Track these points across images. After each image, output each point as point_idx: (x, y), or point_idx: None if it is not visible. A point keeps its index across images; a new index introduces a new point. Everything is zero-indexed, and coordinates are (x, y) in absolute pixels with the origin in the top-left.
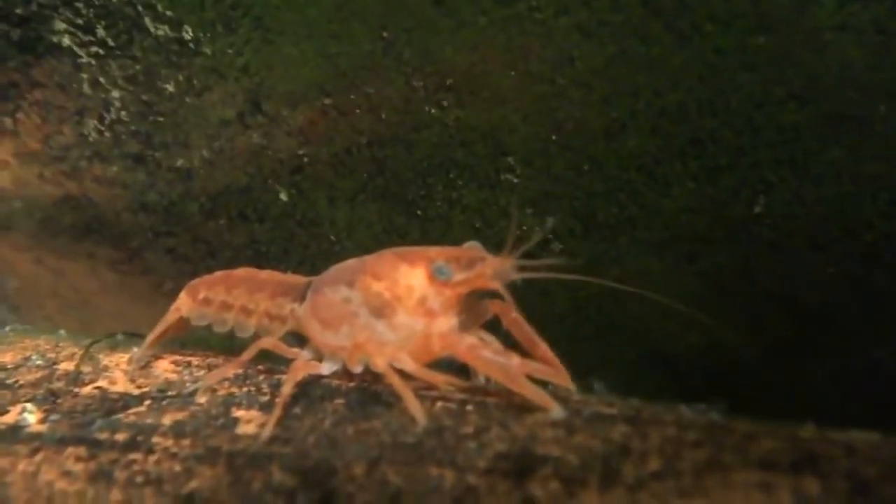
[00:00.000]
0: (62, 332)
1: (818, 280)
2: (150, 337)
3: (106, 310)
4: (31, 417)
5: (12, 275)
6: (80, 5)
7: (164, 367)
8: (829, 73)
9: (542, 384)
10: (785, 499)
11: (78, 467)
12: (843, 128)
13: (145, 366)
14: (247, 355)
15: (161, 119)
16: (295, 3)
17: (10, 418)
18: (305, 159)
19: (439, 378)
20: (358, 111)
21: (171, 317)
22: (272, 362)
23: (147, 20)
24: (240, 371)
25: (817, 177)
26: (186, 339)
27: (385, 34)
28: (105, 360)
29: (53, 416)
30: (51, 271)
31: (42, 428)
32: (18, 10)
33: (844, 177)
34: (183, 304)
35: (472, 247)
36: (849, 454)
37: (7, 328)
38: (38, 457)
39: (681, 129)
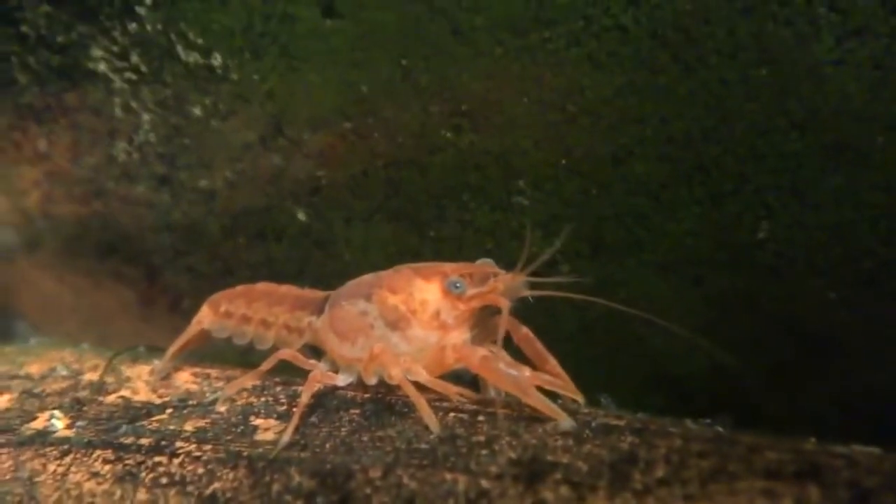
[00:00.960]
0: (85, 345)
1: (819, 304)
2: (172, 349)
3: (124, 327)
4: (59, 423)
5: (35, 292)
6: (116, 34)
7: (185, 379)
8: (828, 105)
9: (552, 398)
10: None
11: (105, 469)
12: (843, 157)
13: (166, 377)
14: (266, 366)
15: (187, 141)
16: (320, 32)
17: (38, 424)
18: (323, 181)
19: (452, 389)
20: (375, 135)
21: (192, 329)
22: (289, 374)
23: (179, 48)
24: (258, 382)
25: (818, 204)
26: (204, 354)
27: (404, 62)
28: (127, 371)
29: (80, 423)
30: (72, 289)
31: (69, 433)
32: (60, 38)
33: (844, 204)
34: (204, 317)
35: (485, 263)
36: (850, 465)
37: (32, 341)
38: (68, 459)
39: (686, 156)
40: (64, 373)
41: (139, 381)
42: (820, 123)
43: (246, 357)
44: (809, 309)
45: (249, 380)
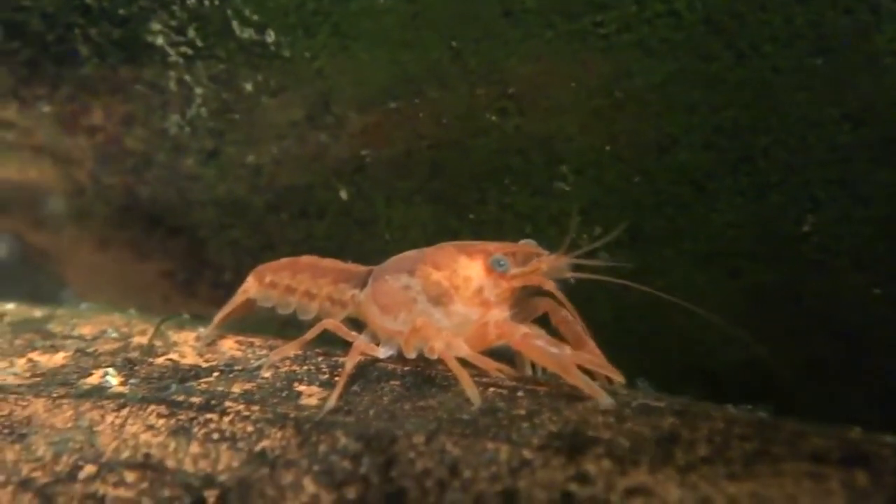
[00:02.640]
0: (132, 311)
1: (862, 301)
2: (219, 316)
3: (167, 298)
4: (113, 380)
5: (81, 261)
6: (175, 8)
7: (230, 346)
8: (885, 97)
9: (591, 378)
10: (835, 488)
11: (160, 423)
12: None
13: (212, 343)
14: (310, 335)
15: (237, 117)
16: (372, 11)
17: (94, 380)
18: (367, 160)
19: (492, 364)
20: (421, 116)
21: (238, 298)
22: (329, 346)
23: (235, 23)
24: (300, 352)
25: (866, 198)
26: (244, 326)
27: (454, 43)
28: (174, 336)
29: (133, 380)
30: (117, 259)
31: (124, 389)
32: (121, 11)
33: (894, 199)
34: (250, 287)
35: (528, 244)
36: None
37: (83, 305)
38: (124, 412)
39: (733, 146)
40: (114, 335)
41: (186, 346)
42: (874, 116)
43: (283, 332)
44: (852, 305)
45: (292, 349)
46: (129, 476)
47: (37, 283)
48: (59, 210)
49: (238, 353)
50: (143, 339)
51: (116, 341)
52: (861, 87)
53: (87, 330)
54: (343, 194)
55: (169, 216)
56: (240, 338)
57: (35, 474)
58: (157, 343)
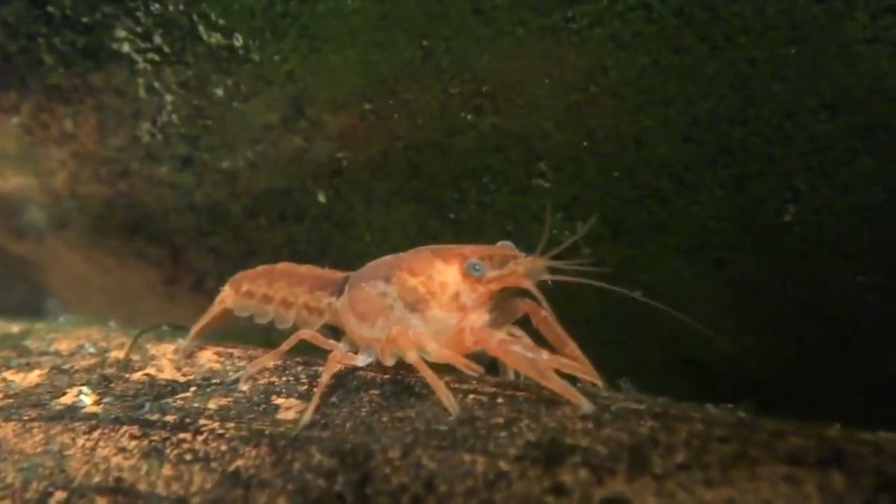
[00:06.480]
0: (112, 323)
1: (847, 289)
2: (196, 327)
3: (150, 305)
4: (87, 399)
5: (64, 271)
6: (140, 14)
7: (208, 358)
8: (860, 85)
9: (571, 381)
10: (811, 492)
11: (132, 444)
12: (874, 138)
13: (190, 355)
14: (286, 346)
15: (209, 122)
16: (341, 12)
17: (67, 399)
18: (344, 163)
19: (460, 360)
20: (396, 116)
21: (215, 308)
22: (310, 354)
23: (201, 28)
24: (279, 362)
25: (847, 186)
26: (227, 334)
27: (425, 43)
28: (152, 349)
29: (107, 399)
30: (99, 268)
31: (97, 409)
32: (84, 19)
33: (874, 186)
34: (227, 296)
35: (505, 246)
36: (876, 452)
37: (61, 318)
38: (96, 434)
39: (711, 138)
40: (91, 350)
41: (164, 359)
42: (851, 104)
43: (269, 337)
44: (837, 293)
45: (270, 359)
46: (101, 501)
47: (18, 293)
48: (37, 220)
49: (216, 366)
50: (121, 354)
51: (93, 356)
52: (836, 75)
53: (63, 345)
54: (321, 197)
55: (147, 224)
56: (219, 349)
57: (4, 503)
58: (135, 357)
